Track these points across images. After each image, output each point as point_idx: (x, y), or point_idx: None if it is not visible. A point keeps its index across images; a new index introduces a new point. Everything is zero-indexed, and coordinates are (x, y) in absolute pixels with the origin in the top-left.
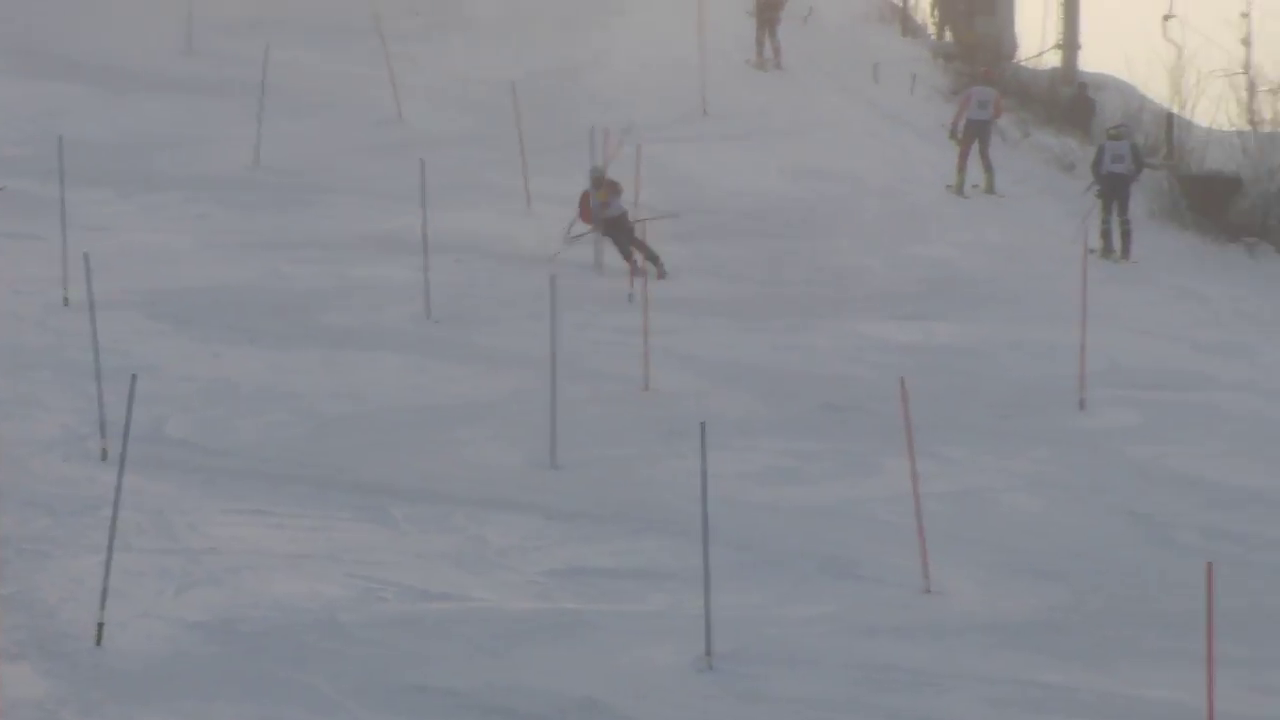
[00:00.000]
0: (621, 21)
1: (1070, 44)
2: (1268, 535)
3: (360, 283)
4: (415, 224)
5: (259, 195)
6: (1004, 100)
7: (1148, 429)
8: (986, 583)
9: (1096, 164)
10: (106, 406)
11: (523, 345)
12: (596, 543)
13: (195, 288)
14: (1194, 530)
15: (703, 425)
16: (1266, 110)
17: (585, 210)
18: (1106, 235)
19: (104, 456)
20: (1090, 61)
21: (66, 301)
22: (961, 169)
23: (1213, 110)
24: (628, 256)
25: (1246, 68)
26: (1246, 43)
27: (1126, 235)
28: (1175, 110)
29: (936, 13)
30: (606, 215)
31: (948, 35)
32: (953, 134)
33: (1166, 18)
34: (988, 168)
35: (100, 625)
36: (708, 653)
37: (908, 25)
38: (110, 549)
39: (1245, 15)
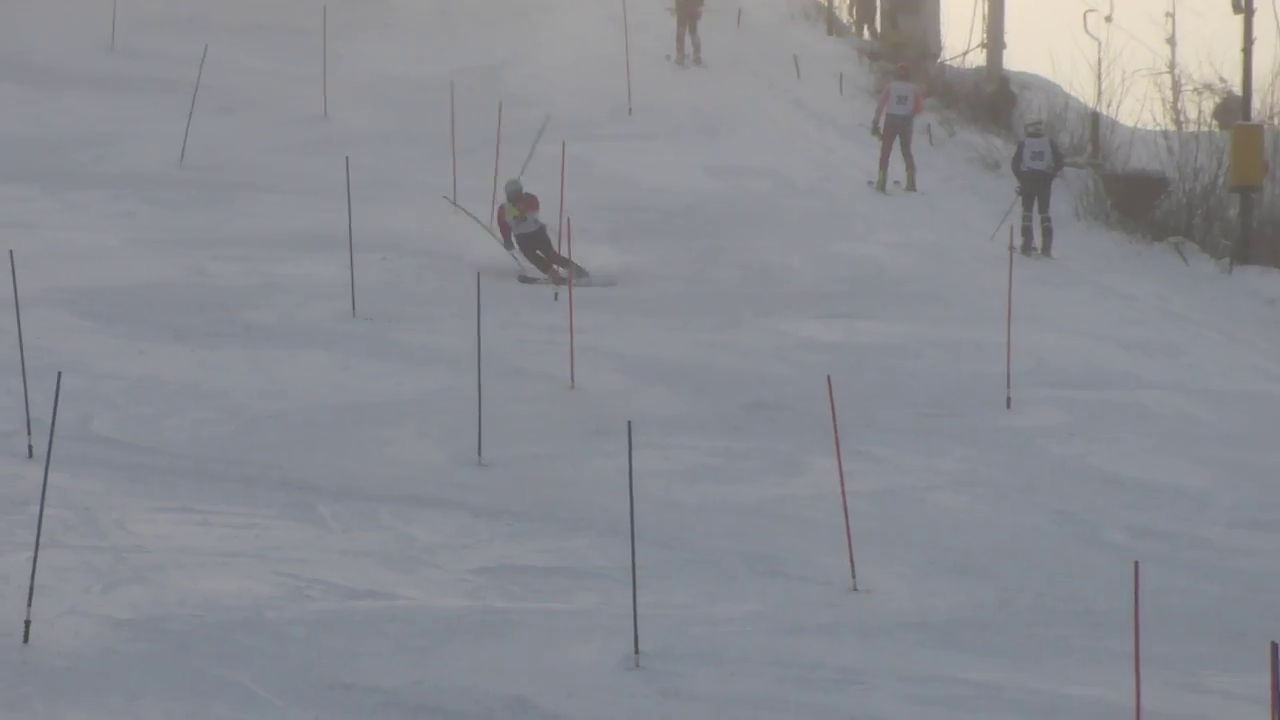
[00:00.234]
0: (546, 20)
1: (995, 43)
2: (1193, 534)
3: (286, 280)
4: (341, 221)
5: (184, 193)
6: (924, 95)
7: (1074, 428)
8: (913, 581)
9: (1016, 161)
10: (32, 404)
11: (448, 343)
12: (524, 541)
13: (121, 285)
14: (1120, 529)
15: (629, 424)
16: (1191, 110)
17: (504, 225)
18: (1027, 232)
19: (30, 454)
20: (1015, 60)
21: None
22: (884, 165)
23: (1138, 109)
24: (546, 267)
25: (1171, 67)
26: (1171, 42)
27: (1048, 232)
28: (1100, 109)
29: (855, 11)
30: (522, 230)
31: (866, 34)
32: (874, 130)
33: (1088, 12)
34: (909, 165)
35: (27, 622)
36: (635, 651)
37: (833, 24)
38: (37, 546)
39: (1170, 15)
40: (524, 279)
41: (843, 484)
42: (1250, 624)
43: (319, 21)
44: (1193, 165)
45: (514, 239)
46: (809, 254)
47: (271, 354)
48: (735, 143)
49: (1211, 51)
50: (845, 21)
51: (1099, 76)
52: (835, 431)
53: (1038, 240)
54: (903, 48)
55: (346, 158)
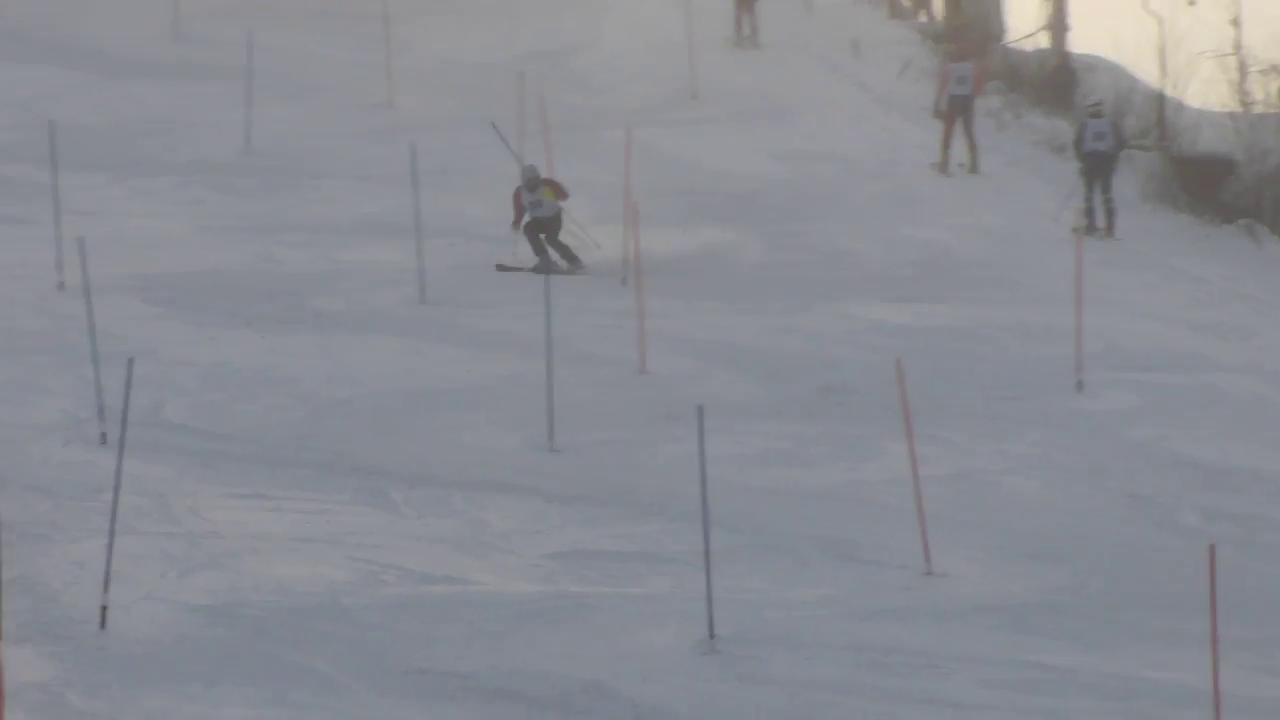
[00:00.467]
0: (610, 3)
1: (1059, 25)
2: (1268, 516)
3: (354, 267)
4: (407, 207)
5: (251, 180)
6: (983, 75)
7: (1146, 411)
8: (987, 565)
9: (1078, 142)
10: (105, 391)
11: (518, 328)
12: (597, 526)
13: (190, 272)
14: (1194, 512)
15: (700, 409)
16: (1258, 91)
17: (519, 206)
18: (1089, 213)
19: (103, 441)
20: (1080, 43)
21: (62, 286)
22: (946, 146)
23: (1204, 91)
24: (541, 250)
25: (1236, 49)
26: (1236, 24)
27: (1110, 213)
28: (1166, 91)
29: None
30: (539, 214)
31: (923, 17)
32: (935, 112)
33: None
34: (972, 145)
35: (104, 609)
36: (710, 635)
37: (895, 7)
38: (112, 533)
39: None
40: (502, 267)
41: (915, 468)
42: None
43: (383, 8)
44: (1261, 147)
45: (526, 220)
46: (876, 238)
47: (341, 340)
48: (800, 126)
49: (1278, 32)
50: (906, 4)
51: (1161, 57)
52: (906, 415)
53: (1100, 221)
54: (965, 30)
55: (413, 144)
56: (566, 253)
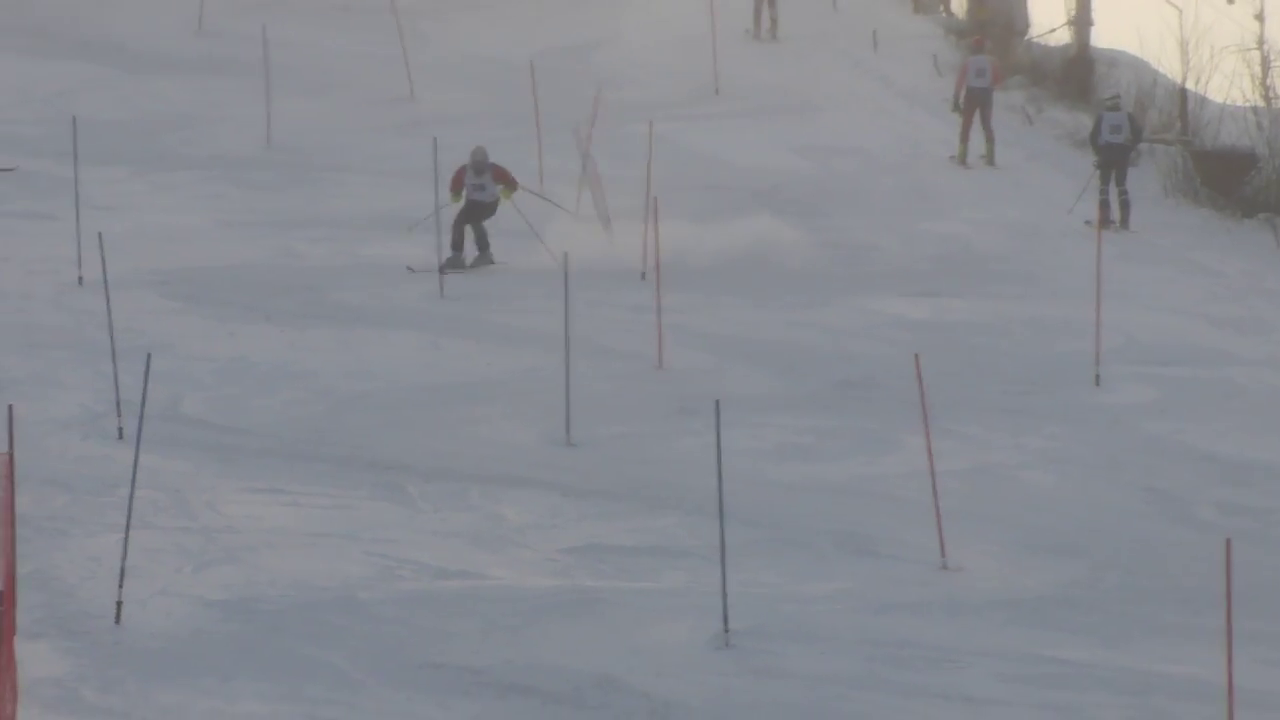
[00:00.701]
0: None
1: (1082, 19)
2: None
3: (374, 261)
4: (427, 202)
5: (272, 174)
6: (1000, 67)
7: (1164, 405)
8: (1003, 559)
9: (1094, 135)
10: (123, 385)
11: (536, 323)
12: (613, 520)
13: (210, 266)
14: (1211, 506)
15: (717, 403)
16: None
17: (456, 185)
18: (1104, 205)
19: (121, 435)
20: (1103, 37)
21: (81, 281)
22: (964, 139)
23: (1226, 86)
24: (459, 245)
25: (1260, 43)
26: (1260, 18)
27: (1125, 205)
28: (1188, 85)
29: None
30: (478, 197)
31: (944, 11)
32: (955, 105)
33: None
34: (989, 137)
35: (119, 603)
36: (725, 630)
37: (919, 2)
38: (128, 527)
39: None
40: (412, 269)
41: (932, 462)
42: None
43: (405, 2)
44: None
45: (460, 204)
46: (896, 232)
47: (360, 334)
48: (821, 121)
49: None
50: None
51: (1184, 51)
52: (924, 409)
53: (1115, 213)
54: (989, 25)
55: (434, 139)
56: (482, 240)
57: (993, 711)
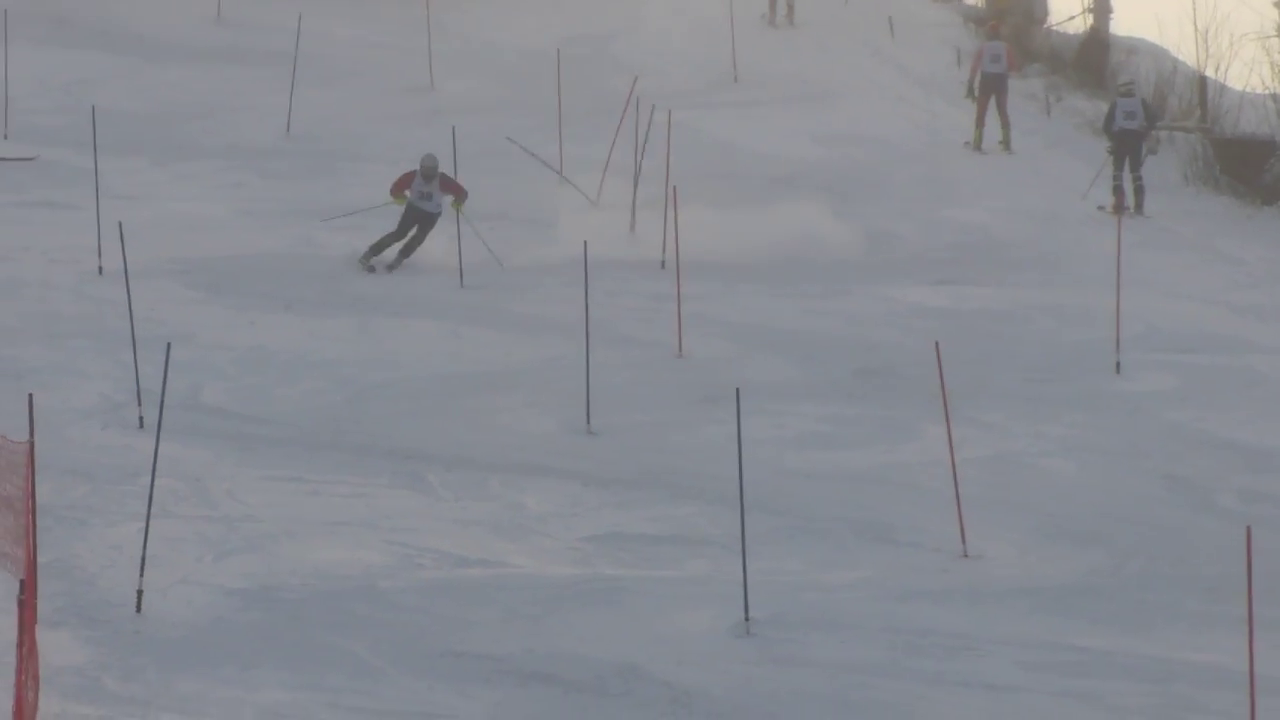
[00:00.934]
0: None
1: (1101, 7)
2: None
3: (393, 250)
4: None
5: (292, 163)
6: (1017, 54)
7: (1185, 392)
8: (1024, 547)
9: (1109, 121)
10: (143, 375)
11: (556, 312)
12: (634, 509)
13: (230, 256)
14: (1232, 494)
15: (738, 391)
16: None
17: (399, 188)
18: (1118, 191)
19: (141, 424)
20: (1122, 25)
21: (101, 270)
22: (980, 124)
23: (1246, 73)
24: (394, 240)
25: None
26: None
27: (1140, 191)
28: (1207, 73)
29: None
30: (424, 206)
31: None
32: (969, 91)
33: None
34: (1005, 123)
35: (140, 592)
36: (746, 618)
37: None
38: (149, 516)
39: None
40: (370, 267)
41: (952, 450)
42: None
43: None
44: None
45: (407, 202)
46: (916, 220)
47: (381, 323)
48: (840, 109)
49: None
50: None
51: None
52: (944, 398)
53: (1130, 199)
54: (1008, 12)
55: (453, 128)
56: (409, 250)
57: (1014, 699)
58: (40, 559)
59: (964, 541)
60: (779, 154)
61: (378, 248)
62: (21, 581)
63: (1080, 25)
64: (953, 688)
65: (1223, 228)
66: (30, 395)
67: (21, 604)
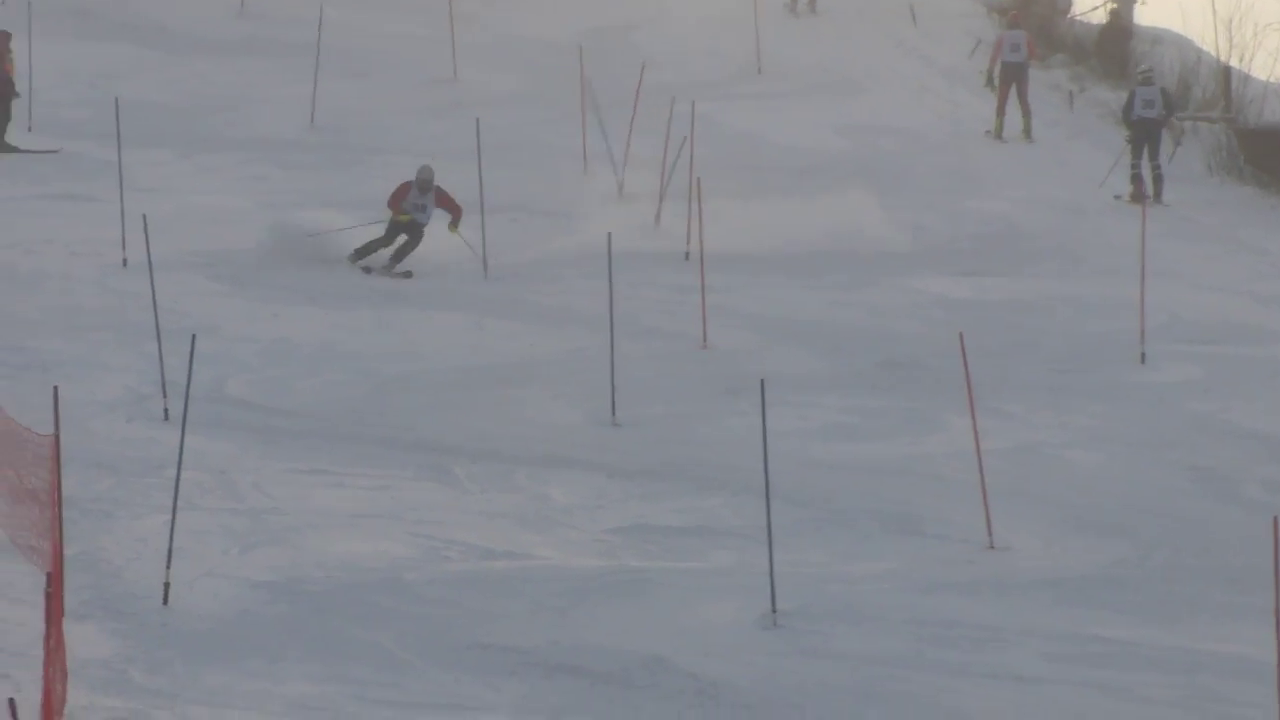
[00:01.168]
0: None
1: None
2: None
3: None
4: (471, 183)
5: (315, 156)
6: (1037, 42)
7: (1209, 383)
8: (1049, 538)
9: (1127, 109)
10: (167, 367)
11: (580, 303)
12: (659, 500)
13: (253, 248)
14: (1257, 484)
15: (762, 382)
16: None
17: (396, 200)
18: (1137, 180)
19: (166, 417)
20: (1147, 15)
21: (125, 263)
22: (1000, 113)
23: (1270, 63)
24: (385, 244)
25: None
26: None
27: (1159, 180)
28: (1232, 63)
29: None
30: (419, 217)
31: None
32: (988, 80)
33: None
34: (1026, 112)
35: (166, 585)
36: (772, 610)
37: None
38: (174, 509)
39: None
40: (366, 267)
41: (977, 441)
42: None
43: None
44: None
45: (401, 216)
46: (939, 211)
47: (404, 315)
48: (864, 100)
49: None
50: None
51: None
52: (969, 389)
53: (1149, 188)
54: (1031, 2)
55: (477, 120)
56: (400, 256)
57: (1040, 690)
58: (66, 552)
59: (989, 533)
60: (802, 145)
61: (364, 251)
62: (48, 574)
63: (1103, 15)
64: (978, 679)
65: (1246, 218)
66: (55, 388)
67: (48, 597)
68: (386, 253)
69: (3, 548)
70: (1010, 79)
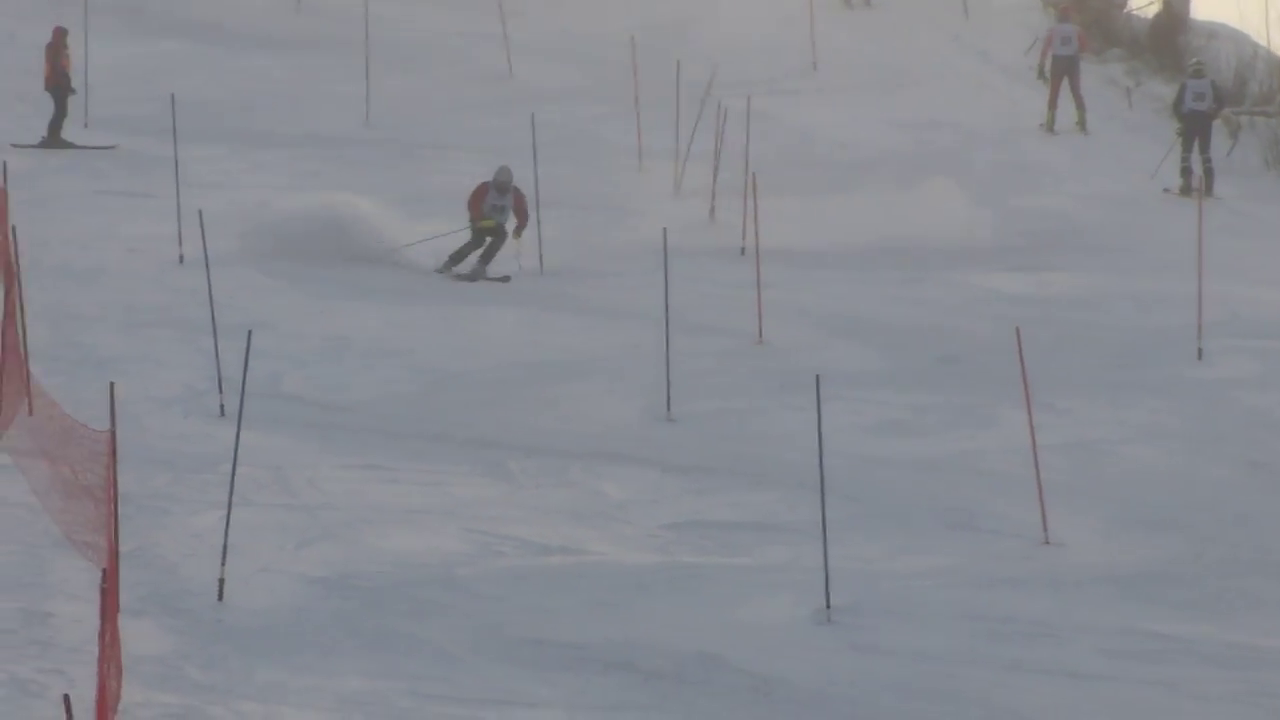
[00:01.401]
0: None
1: None
2: None
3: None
4: (526, 178)
5: (370, 152)
6: (1087, 35)
7: (1267, 378)
8: (1105, 534)
9: (1178, 102)
10: (223, 363)
11: (635, 299)
12: (713, 495)
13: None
14: None
15: (818, 378)
16: None
17: (476, 203)
18: (1187, 173)
19: (222, 413)
20: (1203, 9)
21: (182, 259)
22: (1052, 106)
23: None
24: (483, 255)
25: None
26: None
27: (1209, 173)
28: None
29: None
30: (499, 219)
31: None
32: (1040, 73)
33: None
34: (1079, 104)
35: (221, 581)
36: (826, 606)
37: None
38: (230, 505)
39: None
40: (459, 276)
41: (1033, 437)
42: None
43: None
44: None
45: (483, 222)
46: (995, 206)
47: (459, 311)
48: (919, 95)
49: None
50: None
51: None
52: (1025, 384)
53: (1199, 181)
54: None
55: (532, 115)
56: (488, 255)
57: (1095, 687)
58: (122, 548)
59: (1045, 528)
60: (857, 140)
61: (457, 257)
62: (103, 570)
63: (1158, 7)
64: (1033, 675)
65: None
66: (111, 384)
67: (103, 593)
68: (474, 257)
69: (58, 544)
70: (1062, 72)
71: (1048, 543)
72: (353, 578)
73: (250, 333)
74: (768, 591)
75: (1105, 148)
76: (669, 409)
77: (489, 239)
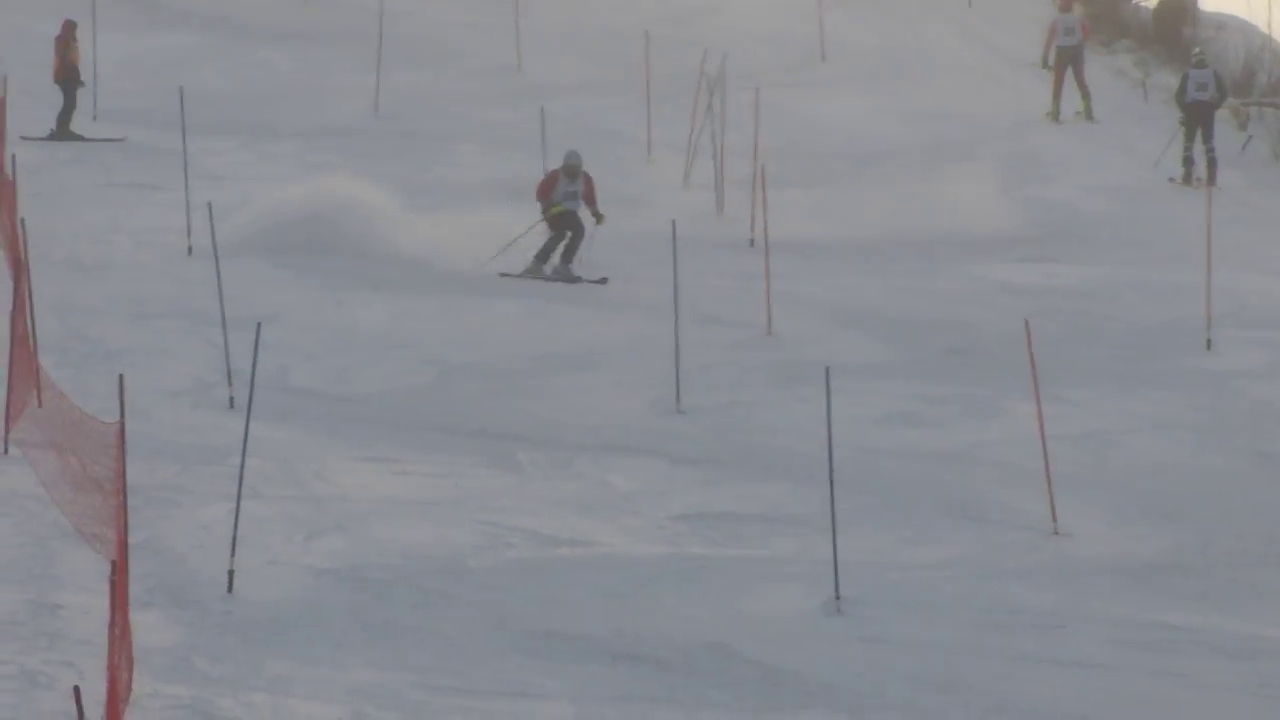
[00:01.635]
0: None
1: None
2: None
3: (480, 230)
4: (535, 171)
5: (379, 144)
6: (1091, 24)
7: (1275, 369)
8: (1113, 525)
9: (1180, 92)
10: (232, 355)
11: (644, 291)
12: (721, 487)
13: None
14: None
15: (827, 369)
16: None
17: (546, 190)
18: (1189, 163)
19: (231, 405)
20: (1212, 1)
21: (190, 251)
22: (1056, 95)
23: None
24: (564, 253)
25: None
26: None
27: (1212, 163)
28: None
29: None
30: (572, 206)
31: None
32: (1044, 63)
33: None
34: (1085, 93)
35: (230, 573)
36: (837, 596)
37: None
38: (239, 497)
39: None
40: (548, 278)
41: (1042, 428)
42: None
43: None
44: None
45: (554, 209)
46: (1004, 198)
47: (468, 303)
48: (928, 87)
49: None
50: None
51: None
52: (1034, 375)
53: (1201, 171)
54: None
55: (542, 108)
56: (570, 252)
57: (1103, 677)
58: (131, 540)
59: (1053, 519)
60: (865, 132)
61: (543, 255)
62: (112, 562)
63: None
64: (1042, 665)
65: None
66: (120, 376)
67: (113, 585)
68: (556, 256)
69: (67, 535)
70: (1065, 62)
71: (1056, 533)
72: (361, 569)
73: (259, 325)
74: (776, 583)
75: (1114, 139)
76: (678, 400)
77: (569, 233)
